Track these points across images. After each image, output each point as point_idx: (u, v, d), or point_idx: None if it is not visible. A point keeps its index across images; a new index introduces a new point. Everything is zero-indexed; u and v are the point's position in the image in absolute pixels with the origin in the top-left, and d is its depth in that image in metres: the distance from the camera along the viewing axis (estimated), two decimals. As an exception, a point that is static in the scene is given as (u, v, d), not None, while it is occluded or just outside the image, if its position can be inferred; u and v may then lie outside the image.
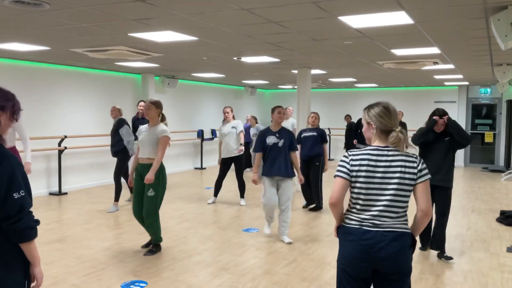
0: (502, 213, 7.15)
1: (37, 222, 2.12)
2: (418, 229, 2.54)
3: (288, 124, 11.14)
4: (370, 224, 2.44)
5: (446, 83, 13.46)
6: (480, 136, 14.47)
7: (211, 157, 14.05)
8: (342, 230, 2.60)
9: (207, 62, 8.76)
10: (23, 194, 2.06)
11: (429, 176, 2.49)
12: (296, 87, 10.10)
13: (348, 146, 12.70)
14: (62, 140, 9.00)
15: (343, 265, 2.55)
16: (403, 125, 10.81)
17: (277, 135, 5.75)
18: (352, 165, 2.48)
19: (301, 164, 7.33)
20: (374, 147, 2.51)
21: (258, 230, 6.39)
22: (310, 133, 7.63)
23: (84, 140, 9.76)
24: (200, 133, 13.25)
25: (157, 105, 5.24)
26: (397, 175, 2.42)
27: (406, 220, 2.49)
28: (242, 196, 8.19)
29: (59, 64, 9.23)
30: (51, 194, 8.95)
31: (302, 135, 7.71)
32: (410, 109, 14.39)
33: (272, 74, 11.36)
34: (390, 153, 2.47)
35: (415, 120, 13.02)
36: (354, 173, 2.47)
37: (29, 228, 2.07)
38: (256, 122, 12.56)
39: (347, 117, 13.38)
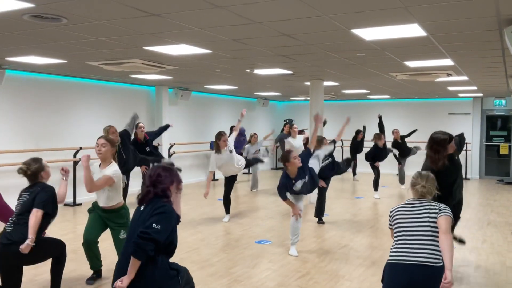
0: (519, 226, 7.04)
1: (150, 251, 2.82)
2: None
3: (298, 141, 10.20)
4: None
5: (460, 95, 13.36)
6: (495, 148, 14.31)
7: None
8: None
9: (220, 74, 8.84)
10: (159, 228, 2.86)
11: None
12: (308, 98, 10.09)
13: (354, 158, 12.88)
14: (77, 151, 9.11)
15: None
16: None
17: (298, 178, 5.54)
18: None
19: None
20: None
21: (271, 242, 6.37)
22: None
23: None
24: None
25: (112, 143, 4.68)
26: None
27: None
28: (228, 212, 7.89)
29: (74, 76, 9.39)
30: (65, 205, 9.04)
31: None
32: (424, 121, 14.30)
33: (284, 86, 11.39)
34: None
35: (429, 132, 12.87)
36: None
37: (142, 251, 2.80)
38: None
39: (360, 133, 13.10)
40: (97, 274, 4.83)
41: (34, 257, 4.00)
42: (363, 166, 12.89)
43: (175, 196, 3.16)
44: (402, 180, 11.33)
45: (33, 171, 4.16)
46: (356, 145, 12.86)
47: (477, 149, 14.25)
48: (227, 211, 7.82)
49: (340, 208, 8.90)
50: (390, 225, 3.30)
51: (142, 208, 3.05)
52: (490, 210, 8.88)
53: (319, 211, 7.64)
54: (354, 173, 13.44)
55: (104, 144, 4.54)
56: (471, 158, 14.17)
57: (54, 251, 4.21)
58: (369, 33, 4.90)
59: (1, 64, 7.60)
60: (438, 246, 2.99)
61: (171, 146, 11.76)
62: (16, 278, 4.04)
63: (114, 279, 2.93)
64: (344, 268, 5.23)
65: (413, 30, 4.70)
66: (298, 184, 5.52)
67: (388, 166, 12.30)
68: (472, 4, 3.75)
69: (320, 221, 7.61)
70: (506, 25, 4.31)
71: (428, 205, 3.14)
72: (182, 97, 12.02)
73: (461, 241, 5.23)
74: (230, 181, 7.82)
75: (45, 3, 3.83)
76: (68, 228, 7.11)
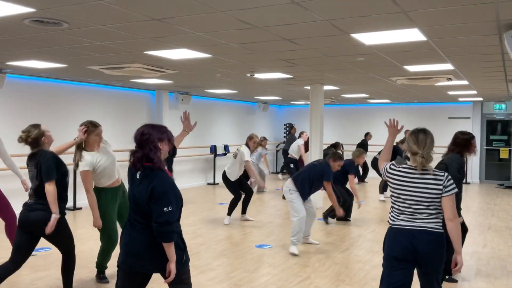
0: (519, 230, 7.03)
1: (177, 232, 2.85)
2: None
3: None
4: None
5: (460, 99, 13.38)
6: (496, 152, 14.30)
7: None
8: None
9: (220, 79, 8.85)
10: (171, 209, 2.77)
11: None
12: (308, 103, 10.11)
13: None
14: (77, 155, 9.10)
15: None
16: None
17: None
18: None
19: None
20: None
21: (271, 246, 6.37)
22: None
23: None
24: (213, 149, 13.31)
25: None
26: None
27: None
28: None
29: (75, 81, 9.40)
30: (66, 209, 9.03)
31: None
32: (424, 125, 14.19)
33: (284, 90, 11.41)
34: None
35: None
36: None
37: (168, 233, 2.78)
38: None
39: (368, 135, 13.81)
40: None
41: (54, 232, 3.97)
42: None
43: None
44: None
45: (34, 137, 4.09)
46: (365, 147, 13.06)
47: (477, 154, 14.22)
48: (230, 213, 7.81)
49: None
50: (387, 179, 3.20)
51: (138, 175, 2.88)
52: (490, 215, 8.88)
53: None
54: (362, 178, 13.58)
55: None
56: (471, 163, 14.17)
57: (69, 241, 4.18)
58: (369, 38, 4.92)
59: (1, 68, 7.61)
60: (439, 213, 3.03)
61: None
62: (26, 249, 4.01)
63: (125, 259, 2.88)
64: (345, 273, 5.22)
65: (413, 35, 4.72)
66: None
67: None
68: (471, 9, 3.76)
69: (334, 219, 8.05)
70: (506, 30, 4.33)
71: (432, 177, 3.02)
72: (182, 101, 12.03)
73: (463, 225, 5.08)
74: (242, 185, 7.92)
75: (46, 8, 3.84)
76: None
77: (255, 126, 15.75)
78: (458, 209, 4.33)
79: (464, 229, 4.43)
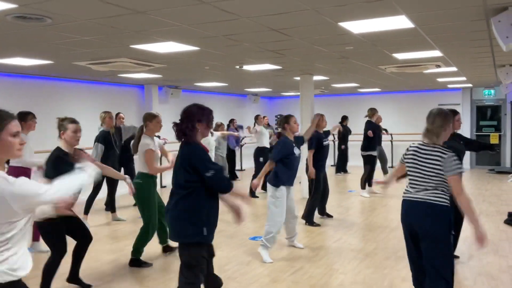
0: (510, 215, 7.09)
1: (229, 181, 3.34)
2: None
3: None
4: None
5: (450, 86, 13.42)
6: (486, 138, 14.40)
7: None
8: None
9: (209, 72, 8.80)
10: (212, 173, 3.13)
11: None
12: (299, 93, 10.10)
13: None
14: (67, 153, 9.02)
15: None
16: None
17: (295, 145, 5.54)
18: None
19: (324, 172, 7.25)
20: None
21: (265, 238, 6.35)
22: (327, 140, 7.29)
23: (88, 153, 9.77)
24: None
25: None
26: None
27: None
28: None
29: (62, 78, 9.29)
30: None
31: (324, 142, 7.16)
32: (414, 113, 14.34)
33: (274, 82, 11.38)
34: None
35: (420, 124, 12.94)
36: None
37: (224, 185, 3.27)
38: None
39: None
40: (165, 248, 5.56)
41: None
42: (354, 159, 12.92)
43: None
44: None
45: None
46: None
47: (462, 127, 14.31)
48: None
49: (333, 202, 8.90)
50: (403, 160, 3.49)
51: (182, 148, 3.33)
52: (481, 200, 8.94)
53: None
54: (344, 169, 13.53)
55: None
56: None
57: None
58: (356, 26, 4.89)
59: (-14, 66, 7.51)
60: (443, 188, 3.24)
61: (164, 144, 11.69)
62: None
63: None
64: (338, 262, 5.23)
65: (401, 22, 4.70)
66: (296, 150, 5.51)
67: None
68: (458, -6, 3.75)
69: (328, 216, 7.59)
70: (493, 15, 4.32)
71: (438, 153, 3.24)
72: (172, 95, 11.95)
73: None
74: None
75: (28, 3, 3.77)
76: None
77: (246, 118, 15.70)
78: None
79: (460, 217, 4.46)
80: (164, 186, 10.99)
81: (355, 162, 13.42)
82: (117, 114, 8.28)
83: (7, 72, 8.20)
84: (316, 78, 10.16)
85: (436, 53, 6.79)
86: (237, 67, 8.12)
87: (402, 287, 4.41)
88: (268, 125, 11.36)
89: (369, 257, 5.36)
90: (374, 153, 9.52)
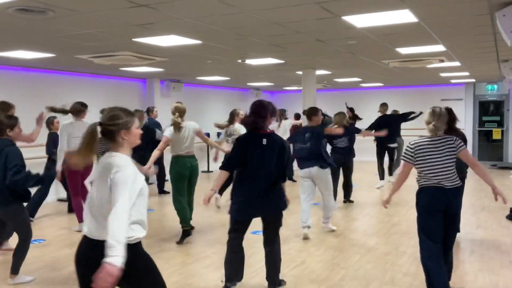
0: (512, 210, 7.08)
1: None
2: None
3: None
4: None
5: (453, 81, 13.37)
6: (488, 133, 14.36)
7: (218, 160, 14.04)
8: None
9: (211, 65, 8.78)
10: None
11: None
12: (301, 88, 10.08)
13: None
14: (69, 146, 9.02)
15: None
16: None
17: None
18: None
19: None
20: None
21: (266, 232, 6.35)
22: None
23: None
24: (207, 136, 13.25)
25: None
26: None
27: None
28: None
29: (64, 71, 9.28)
30: (59, 200, 8.99)
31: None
32: (417, 107, 14.25)
33: (276, 76, 11.35)
34: None
35: (421, 118, 12.91)
36: None
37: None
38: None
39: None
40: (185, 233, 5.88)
41: None
42: (358, 155, 12.87)
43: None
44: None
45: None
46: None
47: (470, 135, 14.28)
48: (221, 193, 7.40)
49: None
50: (409, 159, 3.80)
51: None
52: (484, 195, 8.92)
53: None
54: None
55: None
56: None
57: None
58: (360, 20, 4.87)
59: (-12, 59, 7.50)
60: (455, 171, 3.79)
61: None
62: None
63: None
64: (339, 256, 5.23)
65: (405, 16, 4.67)
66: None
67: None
68: (463, -12, 3.72)
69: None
70: (498, 9, 4.29)
71: (446, 141, 3.76)
72: (174, 89, 11.93)
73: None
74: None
75: (30, -4, 3.76)
76: (62, 223, 7.08)
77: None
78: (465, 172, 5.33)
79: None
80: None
81: (358, 157, 13.39)
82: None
83: (9, 65, 8.19)
84: (319, 72, 10.13)
85: (440, 47, 6.76)
86: (239, 61, 8.10)
87: (403, 282, 4.41)
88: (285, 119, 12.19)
89: (370, 252, 5.36)
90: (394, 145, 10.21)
